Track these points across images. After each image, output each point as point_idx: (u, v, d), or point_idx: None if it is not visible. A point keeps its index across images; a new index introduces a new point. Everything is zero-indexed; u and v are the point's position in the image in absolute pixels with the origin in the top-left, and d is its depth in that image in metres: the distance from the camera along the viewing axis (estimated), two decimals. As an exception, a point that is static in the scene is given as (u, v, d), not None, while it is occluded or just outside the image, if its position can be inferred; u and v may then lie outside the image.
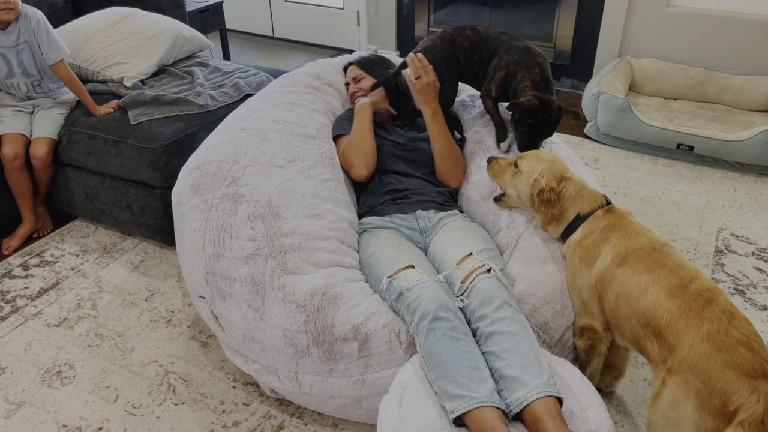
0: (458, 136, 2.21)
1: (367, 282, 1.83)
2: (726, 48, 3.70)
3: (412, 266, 1.74)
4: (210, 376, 2.04)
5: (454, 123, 2.26)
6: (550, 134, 1.99)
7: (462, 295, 1.67)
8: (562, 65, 4.22)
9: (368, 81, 2.31)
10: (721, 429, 1.31)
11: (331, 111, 2.35)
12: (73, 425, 1.89)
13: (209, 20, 4.29)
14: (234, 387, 2.00)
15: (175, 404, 1.95)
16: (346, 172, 2.15)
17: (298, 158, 2.02)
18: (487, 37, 2.09)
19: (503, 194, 1.91)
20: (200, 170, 1.99)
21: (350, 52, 4.91)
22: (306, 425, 1.87)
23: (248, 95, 2.86)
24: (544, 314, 1.73)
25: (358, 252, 1.95)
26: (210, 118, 2.70)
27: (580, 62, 4.18)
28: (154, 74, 3.03)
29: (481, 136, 2.19)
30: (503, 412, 1.46)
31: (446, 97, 2.16)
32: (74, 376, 2.05)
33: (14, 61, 2.60)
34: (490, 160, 1.93)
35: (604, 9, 3.90)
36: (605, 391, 1.94)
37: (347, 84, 2.40)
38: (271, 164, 1.98)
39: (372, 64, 2.36)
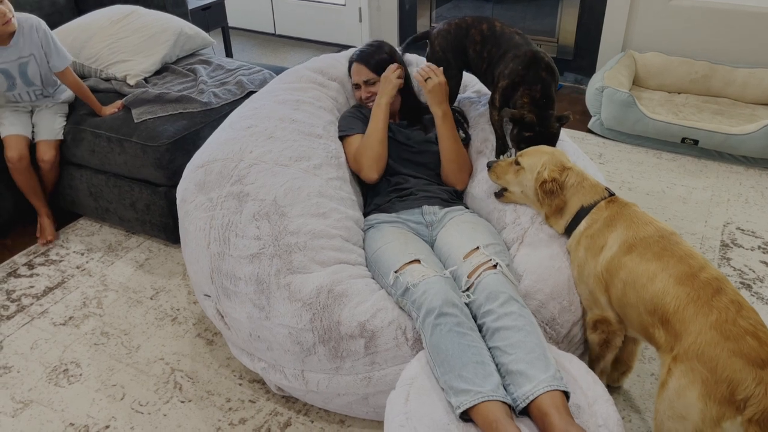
0: (463, 135, 2.20)
1: (373, 278, 1.83)
2: (729, 41, 3.69)
3: (417, 260, 1.74)
4: (216, 374, 2.04)
5: (459, 121, 2.26)
6: (553, 145, 1.98)
7: (468, 290, 1.67)
8: (565, 60, 4.21)
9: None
10: (727, 417, 1.31)
11: (336, 107, 2.34)
12: (81, 423, 1.89)
13: (211, 18, 4.29)
14: (240, 384, 2.00)
15: (182, 402, 1.95)
16: (355, 172, 2.14)
17: (304, 157, 2.02)
18: (501, 37, 2.05)
19: (505, 189, 1.92)
20: (205, 168, 1.99)
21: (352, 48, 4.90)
22: (313, 422, 1.87)
23: (251, 92, 2.86)
24: (550, 310, 1.73)
25: (363, 249, 1.95)
26: (213, 116, 2.70)
27: (583, 57, 4.16)
28: (157, 72, 3.03)
29: (487, 134, 2.19)
30: (510, 406, 1.46)
31: (450, 86, 2.16)
32: (81, 375, 2.06)
33: (17, 74, 2.56)
34: (490, 165, 1.96)
35: (607, 3, 3.89)
36: (613, 386, 1.93)
37: (355, 84, 2.31)
38: (276, 163, 1.97)
39: (379, 61, 2.24)
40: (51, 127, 2.66)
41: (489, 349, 1.57)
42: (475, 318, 1.64)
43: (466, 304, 1.65)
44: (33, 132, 2.66)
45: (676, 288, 1.46)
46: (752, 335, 1.34)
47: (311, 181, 1.96)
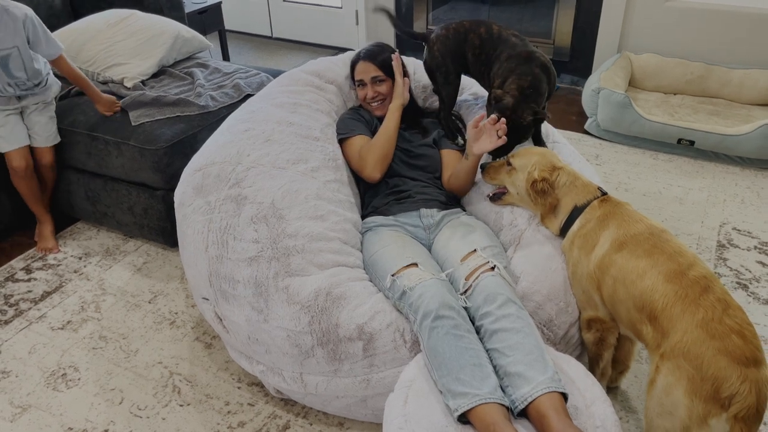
0: (461, 142, 2.20)
1: (371, 281, 1.84)
2: (725, 42, 3.70)
3: (415, 264, 1.75)
4: (215, 377, 2.05)
5: (458, 127, 2.26)
6: (523, 139, 1.97)
7: (465, 292, 1.67)
8: (561, 61, 4.22)
9: (388, 85, 2.23)
10: (713, 414, 1.33)
11: (333, 110, 2.34)
12: (79, 428, 1.89)
13: (208, 21, 4.29)
14: (239, 387, 2.01)
15: (181, 405, 1.95)
16: (357, 171, 2.13)
17: (302, 160, 2.02)
18: (498, 39, 2.06)
19: (504, 193, 1.93)
20: (203, 172, 2.00)
21: (349, 51, 4.90)
22: (311, 425, 1.87)
23: (248, 96, 2.86)
24: (548, 311, 1.73)
25: (361, 251, 1.95)
26: (211, 119, 2.70)
27: (579, 58, 4.17)
28: (155, 75, 3.03)
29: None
30: (508, 408, 1.46)
31: (447, 92, 2.17)
32: (79, 379, 2.06)
33: None
34: (483, 167, 1.97)
35: (603, 5, 3.90)
36: (610, 386, 1.94)
37: (360, 82, 2.27)
38: (274, 166, 1.98)
39: (385, 59, 2.24)
40: (47, 133, 2.64)
41: (487, 350, 1.57)
42: (472, 320, 1.64)
43: (464, 307, 1.66)
44: (29, 136, 2.65)
45: (664, 285, 1.47)
46: (738, 334, 1.36)
47: (309, 184, 1.96)
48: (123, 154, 2.56)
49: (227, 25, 5.38)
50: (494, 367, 1.54)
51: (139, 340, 2.21)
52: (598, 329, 1.71)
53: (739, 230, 2.71)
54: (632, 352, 1.87)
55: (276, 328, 1.71)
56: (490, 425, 1.40)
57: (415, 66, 2.52)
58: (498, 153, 1.97)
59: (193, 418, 1.91)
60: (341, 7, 4.87)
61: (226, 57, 4.59)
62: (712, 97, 3.70)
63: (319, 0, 4.99)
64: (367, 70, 2.24)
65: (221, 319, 1.85)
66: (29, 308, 2.37)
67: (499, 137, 1.84)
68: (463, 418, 1.45)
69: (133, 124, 2.60)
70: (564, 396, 1.46)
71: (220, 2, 4.37)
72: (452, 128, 2.22)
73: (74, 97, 2.82)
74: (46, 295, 2.44)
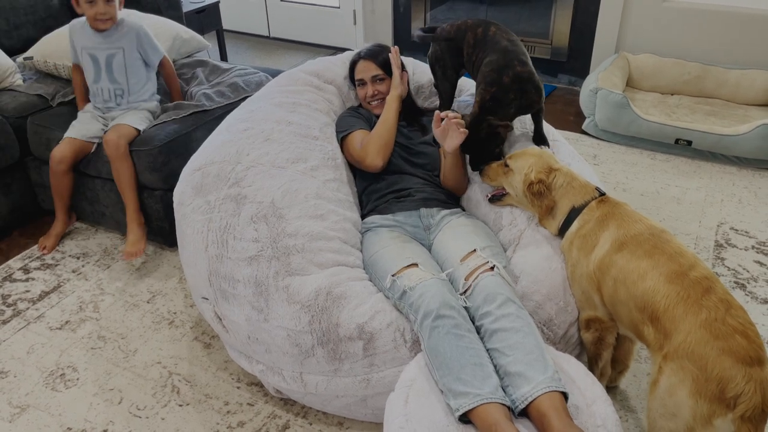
0: None
1: (371, 281, 1.84)
2: (722, 43, 3.71)
3: (415, 264, 1.75)
4: (214, 377, 2.04)
5: None
6: (488, 151, 1.97)
7: (465, 292, 1.67)
8: (559, 62, 4.23)
9: (388, 84, 2.24)
10: (718, 414, 1.33)
11: (332, 110, 2.34)
12: (78, 428, 1.89)
13: (206, 21, 4.29)
14: (238, 387, 2.00)
15: (180, 405, 1.95)
16: (359, 161, 2.12)
17: (301, 159, 2.02)
18: (489, 41, 2.05)
19: (503, 194, 1.94)
20: (202, 171, 1.99)
21: (347, 51, 4.90)
22: (311, 424, 1.87)
23: (246, 96, 2.86)
24: (547, 311, 1.74)
25: (361, 251, 1.95)
26: (206, 118, 2.70)
27: (576, 59, 4.18)
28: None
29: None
30: (509, 408, 1.47)
31: (444, 88, 2.19)
32: (78, 379, 2.05)
33: (103, 63, 2.59)
34: (481, 169, 1.98)
35: (601, 5, 3.91)
36: (610, 386, 1.94)
37: (360, 81, 2.29)
38: (273, 165, 1.97)
39: (385, 59, 2.26)
40: (132, 118, 2.59)
41: (487, 350, 1.57)
42: (472, 320, 1.64)
43: (464, 307, 1.66)
44: (96, 137, 2.61)
45: (666, 287, 1.47)
46: (741, 334, 1.36)
47: (309, 183, 1.96)
48: (121, 154, 2.55)
49: (225, 25, 5.38)
50: (494, 366, 1.55)
51: (138, 340, 2.20)
52: (596, 329, 1.71)
53: (736, 230, 2.72)
54: (631, 352, 1.87)
55: (276, 328, 1.71)
56: (491, 425, 1.40)
57: (414, 66, 2.52)
58: (474, 161, 2.01)
59: (192, 418, 1.90)
60: (339, 7, 4.87)
61: (223, 57, 4.58)
62: (709, 98, 3.71)
63: (316, 0, 4.98)
64: (368, 69, 2.25)
65: (221, 319, 1.85)
66: (27, 308, 2.37)
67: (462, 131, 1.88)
68: (465, 418, 1.45)
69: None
70: (564, 395, 1.46)
71: (218, 2, 4.37)
72: None
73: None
74: (45, 294, 2.44)
